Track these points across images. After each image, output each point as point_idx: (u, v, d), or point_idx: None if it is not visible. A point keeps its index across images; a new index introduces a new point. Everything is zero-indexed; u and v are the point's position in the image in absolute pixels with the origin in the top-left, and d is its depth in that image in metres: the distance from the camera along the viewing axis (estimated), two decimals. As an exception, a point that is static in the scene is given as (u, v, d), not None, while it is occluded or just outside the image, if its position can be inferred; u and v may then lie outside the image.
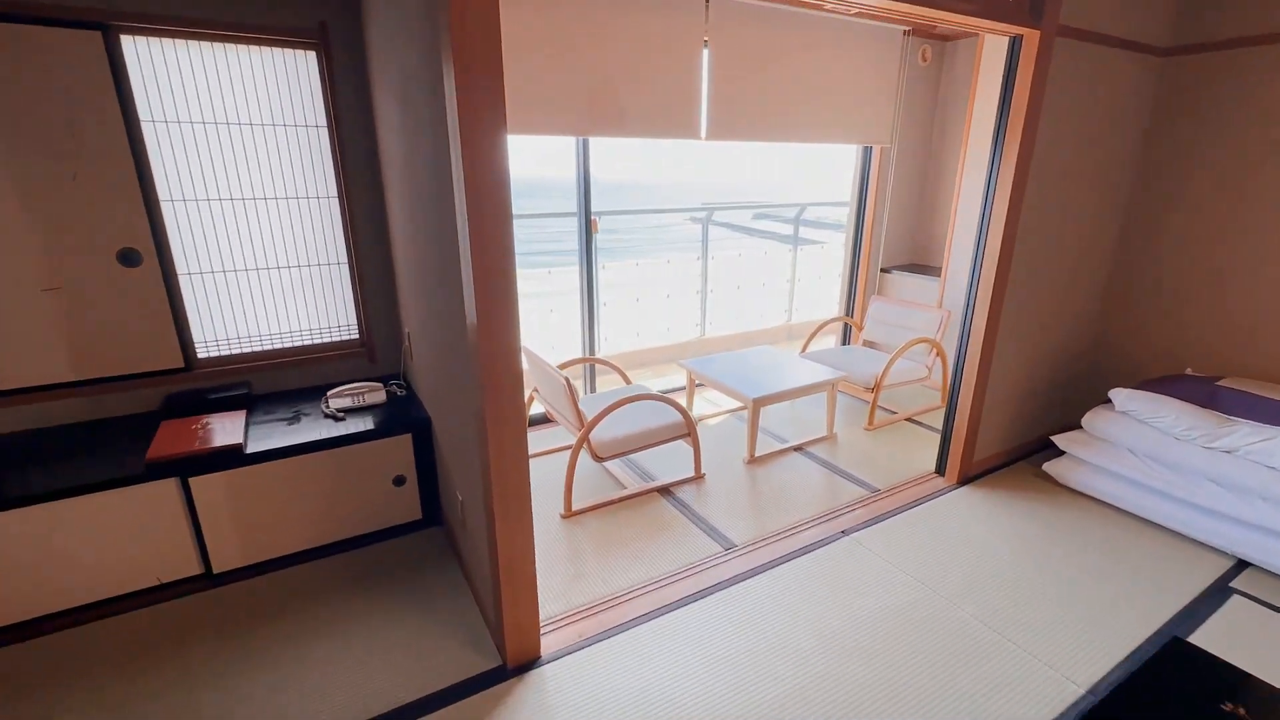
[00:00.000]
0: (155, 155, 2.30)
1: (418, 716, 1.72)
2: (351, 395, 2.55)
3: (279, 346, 2.69)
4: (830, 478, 3.01)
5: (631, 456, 3.14)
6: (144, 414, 2.44)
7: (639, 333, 5.36)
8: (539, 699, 1.77)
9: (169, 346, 2.44)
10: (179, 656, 1.92)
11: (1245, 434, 2.36)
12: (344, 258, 2.73)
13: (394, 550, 2.45)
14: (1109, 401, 2.85)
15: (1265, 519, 2.25)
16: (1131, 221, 3.16)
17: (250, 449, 2.19)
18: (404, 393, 2.71)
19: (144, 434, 2.26)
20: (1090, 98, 2.68)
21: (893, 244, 4.45)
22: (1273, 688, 1.82)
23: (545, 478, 2.96)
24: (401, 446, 2.45)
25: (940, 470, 3.03)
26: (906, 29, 3.84)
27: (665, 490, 2.88)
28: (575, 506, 2.71)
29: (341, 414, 2.47)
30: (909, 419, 3.73)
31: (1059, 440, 2.90)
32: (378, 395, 2.60)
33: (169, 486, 2.07)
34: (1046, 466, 2.95)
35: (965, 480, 2.97)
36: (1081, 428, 2.90)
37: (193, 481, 2.09)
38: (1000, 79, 3.60)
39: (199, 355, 2.53)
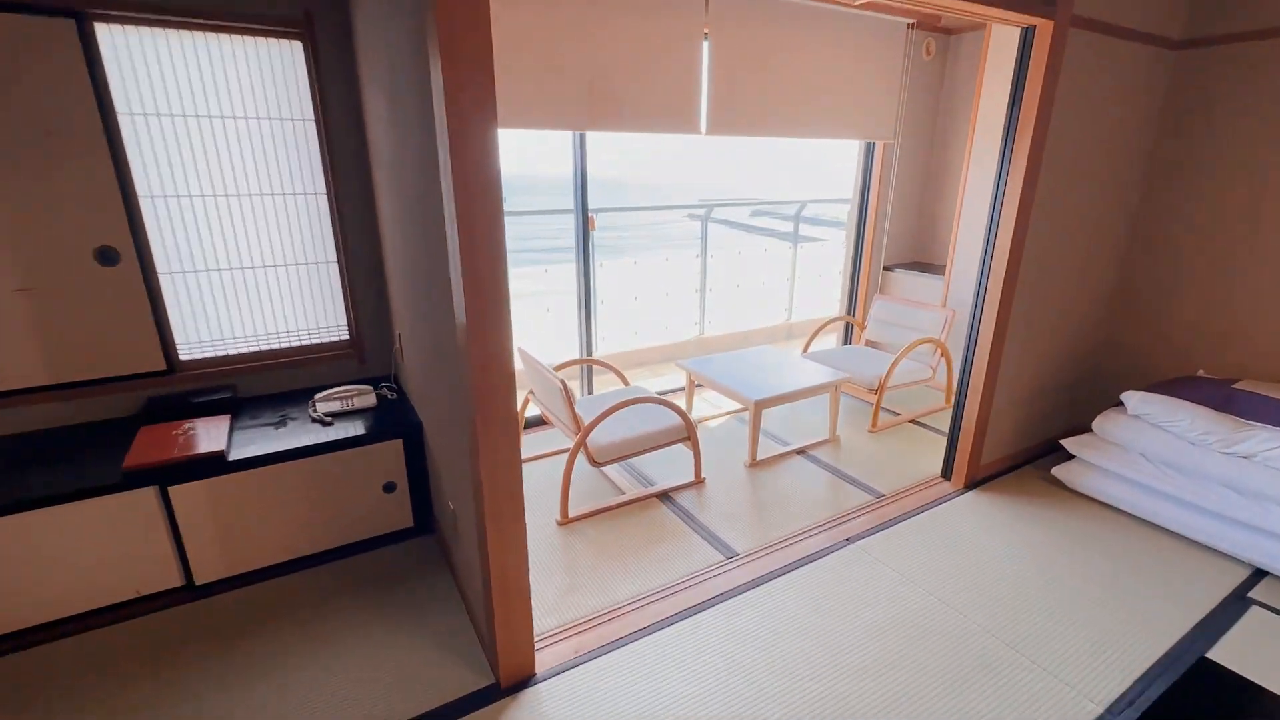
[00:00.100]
0: (133, 149, 2.20)
1: (406, 739, 1.64)
2: (340, 399, 2.47)
3: (265, 348, 2.60)
4: (834, 482, 2.94)
5: (630, 460, 3.05)
6: (124, 418, 2.35)
7: (637, 332, 5.27)
8: (533, 720, 1.69)
9: (150, 348, 2.35)
10: (157, 673, 1.84)
11: (1264, 439, 2.29)
12: (333, 256, 2.64)
13: (384, 559, 2.36)
14: (1120, 404, 2.78)
15: (1285, 527, 2.18)
16: (1141, 218, 3.09)
17: (233, 456, 2.11)
18: (395, 395, 2.62)
19: (123, 440, 2.17)
20: (1102, 91, 2.60)
21: (895, 242, 4.37)
22: (1298, 706, 1.75)
23: (541, 482, 2.88)
24: (392, 452, 2.37)
25: (946, 474, 2.96)
26: (910, 22, 3.75)
27: (664, 495, 2.80)
28: (572, 513, 2.62)
29: (329, 418, 2.38)
30: (913, 421, 3.65)
31: (1068, 444, 2.82)
32: (367, 399, 2.51)
33: (147, 495, 1.98)
34: (1055, 471, 2.88)
35: (972, 485, 2.90)
36: (1091, 431, 2.83)
37: (172, 490, 2.01)
38: (1007, 73, 3.56)
39: (181, 357, 2.44)
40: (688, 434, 2.80)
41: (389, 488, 2.39)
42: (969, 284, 3.84)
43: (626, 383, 3.30)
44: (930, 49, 4.00)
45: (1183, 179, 2.93)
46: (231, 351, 2.54)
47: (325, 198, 2.56)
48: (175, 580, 2.10)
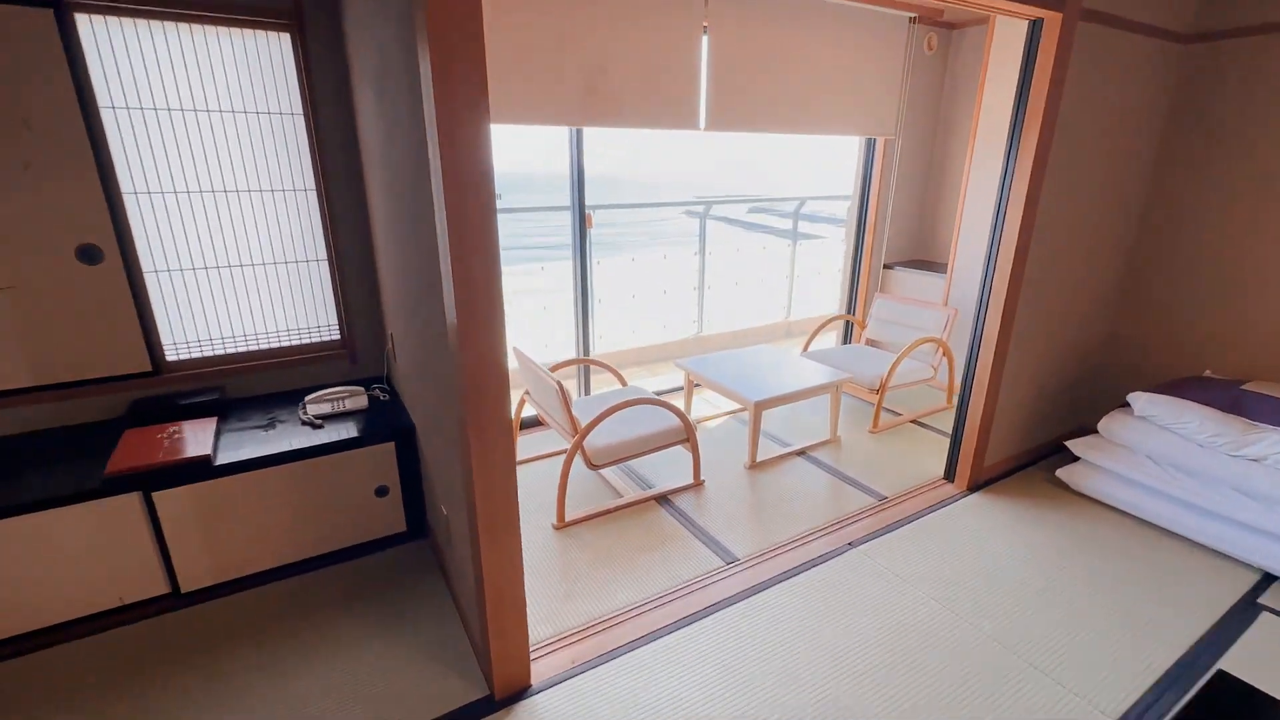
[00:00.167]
0: (116, 144, 2.14)
1: (397, 754, 1.59)
2: (331, 401, 2.41)
3: (254, 348, 2.54)
4: (835, 484, 2.89)
5: (628, 462, 3.00)
6: (108, 421, 2.29)
7: (635, 330, 5.21)
8: (529, 733, 1.64)
9: (134, 349, 2.29)
10: (140, 686, 1.78)
11: (1274, 441, 2.24)
12: (323, 254, 2.58)
13: (376, 565, 2.31)
14: (1126, 405, 2.73)
15: (1296, 531, 2.14)
16: (1147, 216, 3.04)
17: (220, 460, 2.05)
18: (387, 397, 2.56)
19: (106, 443, 2.11)
20: (1109, 86, 2.54)
21: (896, 239, 4.32)
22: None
23: (537, 485, 2.82)
24: (384, 455, 2.31)
25: (949, 476, 2.91)
26: (913, 16, 3.69)
27: (663, 498, 2.75)
28: (569, 516, 2.57)
29: (319, 421, 2.32)
30: (914, 421, 3.60)
31: (1073, 445, 2.78)
32: (359, 400, 2.45)
33: (131, 501, 1.92)
34: (1060, 472, 2.83)
35: (975, 487, 2.85)
36: (1096, 432, 2.78)
37: (156, 496, 1.95)
38: (1011, 68, 3.50)
39: (168, 358, 2.38)
40: (687, 436, 2.74)
41: (381, 491, 2.34)
42: (971, 282, 3.79)
43: (624, 383, 3.24)
44: (932, 44, 3.94)
45: (1189, 176, 2.88)
46: (219, 352, 2.47)
47: (315, 194, 2.50)
48: (160, 588, 2.04)
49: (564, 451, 3.04)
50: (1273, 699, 1.76)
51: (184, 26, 2.15)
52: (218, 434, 2.20)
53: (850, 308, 4.44)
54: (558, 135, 3.15)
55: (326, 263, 2.59)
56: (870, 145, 4.09)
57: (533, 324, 5.14)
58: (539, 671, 1.83)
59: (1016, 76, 3.39)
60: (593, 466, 2.53)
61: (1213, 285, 2.88)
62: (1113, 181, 2.79)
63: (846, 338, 4.54)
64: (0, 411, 2.14)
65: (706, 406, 3.77)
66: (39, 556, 1.85)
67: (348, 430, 2.28)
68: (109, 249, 2.17)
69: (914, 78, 3.89)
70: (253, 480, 2.08)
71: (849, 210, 4.36)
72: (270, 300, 2.53)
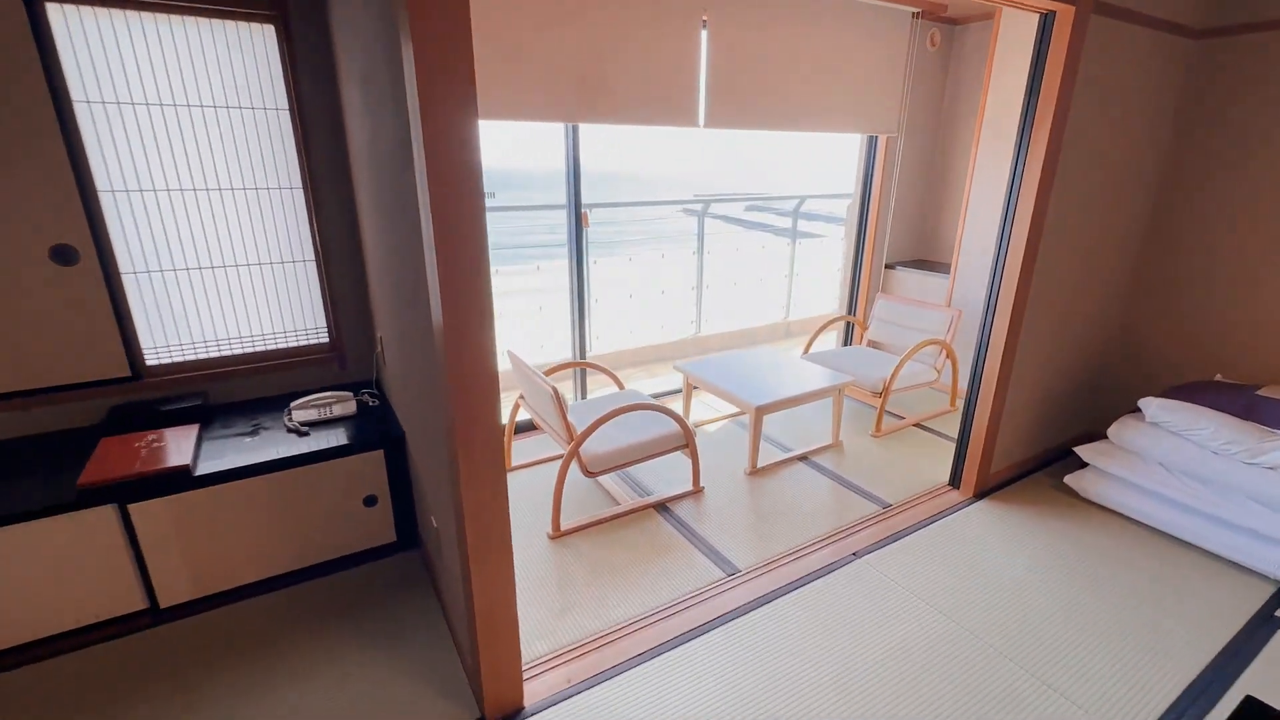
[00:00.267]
0: (91, 141, 2.05)
1: (382, 783, 1.51)
2: (318, 407, 2.33)
3: (238, 352, 2.45)
4: (838, 491, 2.81)
5: (626, 469, 2.92)
6: (84, 428, 2.20)
7: (632, 331, 5.14)
8: (521, 759, 1.57)
9: (113, 353, 2.20)
10: (115, 707, 1.70)
11: (1292, 449, 2.17)
12: (310, 254, 2.50)
13: (364, 577, 2.23)
14: (1136, 410, 2.66)
15: (1315, 543, 2.07)
16: (1157, 215, 2.97)
17: (201, 470, 1.96)
18: (377, 403, 2.48)
19: (82, 453, 2.02)
20: (1121, 82, 2.47)
21: (898, 238, 4.24)
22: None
23: (532, 491, 2.74)
24: (372, 463, 2.23)
25: (955, 483, 2.84)
26: (916, 11, 3.62)
27: (661, 506, 2.67)
28: (564, 525, 2.49)
29: (305, 428, 2.24)
30: (917, 424, 3.53)
31: (1082, 452, 2.71)
32: (347, 406, 2.37)
33: (105, 514, 1.84)
34: (1069, 479, 2.76)
35: (982, 494, 2.78)
36: (1106, 438, 2.72)
37: (133, 508, 1.86)
38: (1016, 64, 3.43)
39: (148, 362, 2.30)
40: (685, 442, 2.67)
41: (370, 501, 2.26)
42: (974, 282, 3.72)
43: (621, 386, 3.16)
44: (935, 39, 3.86)
45: (1201, 174, 2.81)
46: (201, 356, 2.39)
47: (301, 192, 2.41)
48: (138, 603, 1.96)
49: (559, 457, 2.97)
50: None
51: (161, 17, 2.06)
52: (199, 442, 2.11)
53: (851, 308, 4.37)
54: (553, 132, 3.06)
55: (313, 263, 2.50)
56: (872, 143, 4.01)
57: (528, 324, 5.06)
58: (532, 692, 1.75)
59: (1022, 72, 3.34)
60: (589, 474, 2.45)
61: (1224, 286, 2.82)
62: (1123, 180, 2.72)
63: (847, 339, 4.47)
64: (-30, 419, 2.05)
65: (705, 409, 3.69)
66: (8, 572, 1.76)
67: (335, 437, 2.19)
68: (85, 249, 2.08)
69: (916, 75, 3.81)
70: (235, 491, 2.00)
71: (848, 209, 4.29)
72: (255, 302, 2.45)
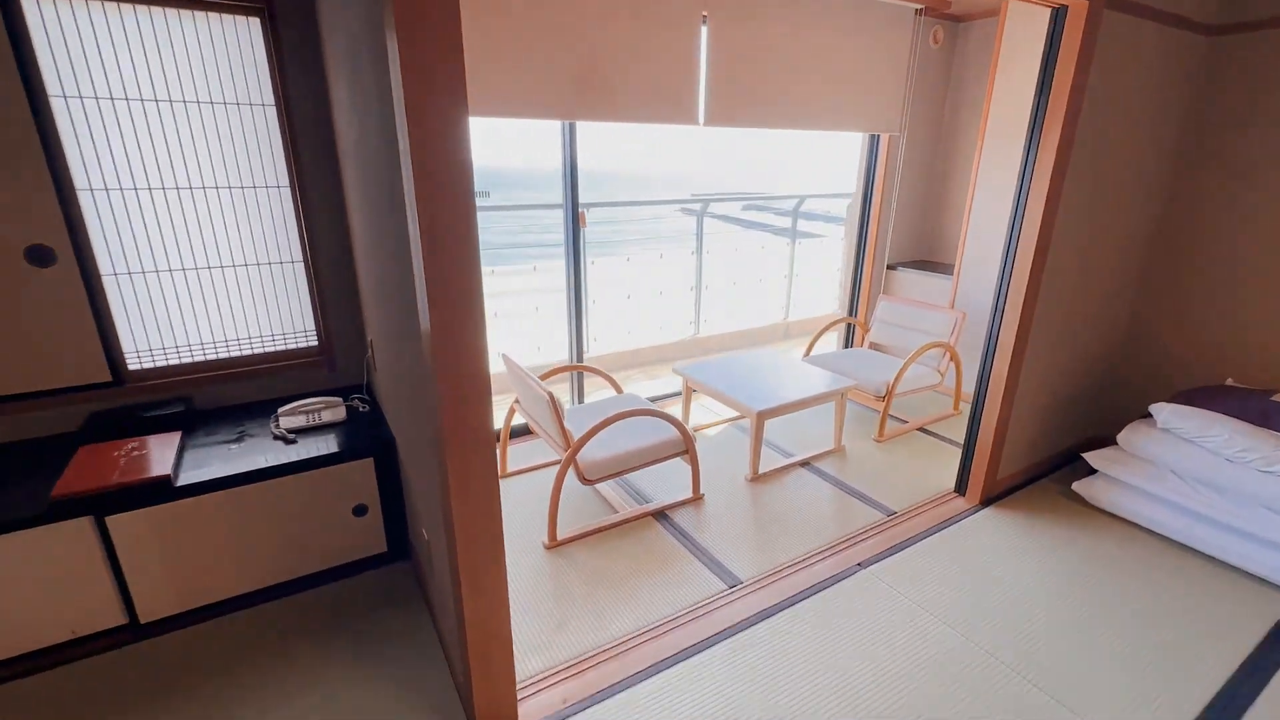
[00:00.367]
0: (69, 137, 1.97)
1: (369, 812, 1.44)
2: (305, 413, 2.25)
3: (224, 356, 2.37)
4: (841, 498, 2.75)
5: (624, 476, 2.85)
6: (63, 436, 2.12)
7: (630, 332, 5.06)
8: (515, 786, 1.50)
9: (92, 358, 2.12)
10: (89, 731, 1.62)
11: (1309, 457, 2.11)
12: (298, 254, 2.42)
13: (354, 590, 2.16)
14: (1147, 416, 2.60)
15: (1334, 554, 2.01)
16: (1168, 215, 2.90)
17: (182, 480, 1.89)
18: (367, 408, 2.40)
19: (58, 461, 1.94)
20: (1134, 79, 2.40)
21: (900, 239, 4.18)
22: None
23: (527, 499, 2.67)
24: (362, 472, 2.15)
25: (960, 489, 2.78)
26: (919, 8, 3.55)
27: (661, 514, 2.60)
28: (561, 534, 2.42)
29: (292, 435, 2.17)
30: (921, 428, 3.47)
31: (1091, 458, 2.65)
32: (336, 412, 2.29)
33: (81, 526, 1.76)
34: (1077, 486, 2.70)
35: (988, 501, 2.72)
36: (1115, 444, 2.65)
37: (110, 521, 1.79)
38: (1022, 61, 3.36)
39: (129, 367, 2.22)
40: (685, 448, 2.60)
41: (359, 511, 2.18)
42: (978, 284, 3.66)
43: (619, 390, 3.09)
44: (938, 37, 3.80)
45: (1212, 173, 2.75)
46: (186, 360, 2.31)
47: (289, 191, 2.33)
48: (117, 619, 1.88)
49: (556, 463, 2.90)
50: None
51: (142, 9, 1.98)
52: (181, 450, 2.04)
53: (852, 310, 4.30)
54: (550, 130, 2.99)
55: (301, 264, 2.43)
56: (874, 142, 3.95)
57: (524, 325, 4.98)
58: (527, 713, 1.68)
59: (1028, 70, 3.28)
60: (586, 482, 2.38)
61: (1235, 287, 2.75)
62: (1134, 179, 2.65)
63: (848, 341, 4.40)
64: (-58, 427, 1.97)
65: (705, 413, 3.62)
66: (-22, 588, 1.69)
67: (323, 445, 2.12)
68: (62, 250, 2.00)
69: (919, 72, 3.75)
70: (218, 501, 1.93)
71: (849, 208, 4.22)
72: (242, 304, 2.37)
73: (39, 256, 1.98)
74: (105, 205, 2.07)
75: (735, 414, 3.56)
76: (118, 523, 1.79)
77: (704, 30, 2.87)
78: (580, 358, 3.41)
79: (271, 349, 2.45)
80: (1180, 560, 2.35)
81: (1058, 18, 2.14)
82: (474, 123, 2.66)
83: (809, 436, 3.31)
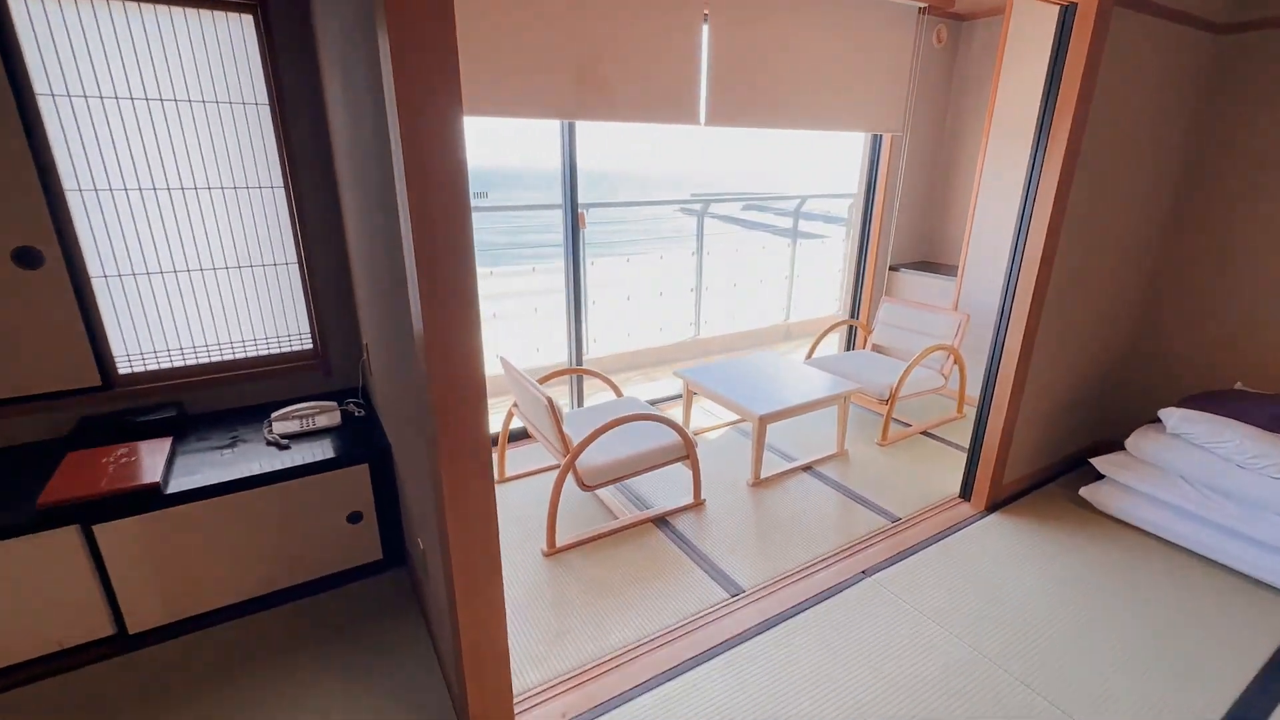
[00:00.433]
0: (57, 137, 1.93)
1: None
2: (299, 418, 2.21)
3: (217, 360, 2.33)
4: (844, 503, 2.70)
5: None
6: (51, 441, 2.08)
7: (630, 333, 5.02)
8: (512, 804, 1.45)
9: (81, 361, 2.08)
10: (75, 747, 1.58)
11: (1323, 464, 2.07)
12: (292, 256, 2.38)
13: (349, 598, 2.11)
14: (1156, 421, 2.56)
15: (1349, 563, 1.97)
16: (1176, 216, 2.86)
17: (172, 488, 1.84)
18: (362, 413, 2.36)
19: (46, 467, 1.90)
20: (1143, 78, 2.36)
21: (902, 240, 4.14)
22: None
23: (525, 505, 2.63)
24: (357, 478, 2.11)
25: (966, 495, 2.73)
26: (922, 6, 3.51)
27: (661, 520, 2.56)
28: (560, 541, 2.38)
29: (286, 441, 2.12)
30: (924, 432, 3.43)
31: (1099, 464, 2.60)
32: (330, 417, 2.25)
33: (67, 535, 1.72)
34: (1084, 491, 2.66)
35: (994, 506, 2.68)
36: (1123, 449, 2.61)
37: (97, 529, 1.74)
38: (1027, 60, 3.32)
39: (120, 371, 2.18)
40: (686, 453, 2.55)
41: (354, 518, 2.14)
42: (982, 285, 3.61)
43: (619, 393, 3.05)
44: (941, 36, 3.76)
45: (1222, 174, 2.70)
46: (178, 364, 2.27)
47: (283, 191, 2.29)
48: (104, 629, 1.84)
49: (555, 468, 2.86)
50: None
51: (132, 6, 1.94)
52: (171, 456, 1.99)
53: (854, 311, 4.26)
54: (549, 129, 2.95)
55: (295, 265, 2.38)
56: (876, 142, 3.91)
57: (523, 326, 4.94)
58: (525, 727, 1.64)
59: (1033, 69, 3.24)
60: (586, 488, 2.34)
61: (1246, 290, 2.71)
62: (1142, 180, 2.61)
63: (850, 343, 4.36)
64: (-73, 433, 1.93)
65: (706, 416, 3.58)
66: (-39, 600, 1.64)
67: (317, 451, 2.08)
68: (50, 252, 1.96)
69: (922, 72, 3.70)
70: (209, 509, 1.88)
71: (850, 208, 4.18)
72: (235, 307, 2.33)
73: (26, 258, 1.93)
74: (94, 206, 2.03)
75: (736, 417, 3.52)
76: (105, 531, 1.75)
77: (705, 29, 2.83)
78: (579, 360, 3.37)
79: (265, 352, 2.41)
80: (1190, 568, 2.31)
81: (1067, 16, 2.10)
82: (472, 122, 2.62)
83: (811, 440, 3.27)
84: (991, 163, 3.52)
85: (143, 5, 1.95)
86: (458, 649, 1.48)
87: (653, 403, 3.63)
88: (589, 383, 3.55)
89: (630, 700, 1.72)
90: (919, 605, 2.09)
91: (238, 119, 2.17)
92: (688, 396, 3.30)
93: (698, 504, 2.66)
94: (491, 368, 3.77)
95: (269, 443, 2.12)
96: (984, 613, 2.06)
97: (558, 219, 3.18)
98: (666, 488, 2.77)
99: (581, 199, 3.09)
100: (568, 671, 1.81)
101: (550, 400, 2.23)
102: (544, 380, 2.84)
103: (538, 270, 5.34)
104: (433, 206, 1.11)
